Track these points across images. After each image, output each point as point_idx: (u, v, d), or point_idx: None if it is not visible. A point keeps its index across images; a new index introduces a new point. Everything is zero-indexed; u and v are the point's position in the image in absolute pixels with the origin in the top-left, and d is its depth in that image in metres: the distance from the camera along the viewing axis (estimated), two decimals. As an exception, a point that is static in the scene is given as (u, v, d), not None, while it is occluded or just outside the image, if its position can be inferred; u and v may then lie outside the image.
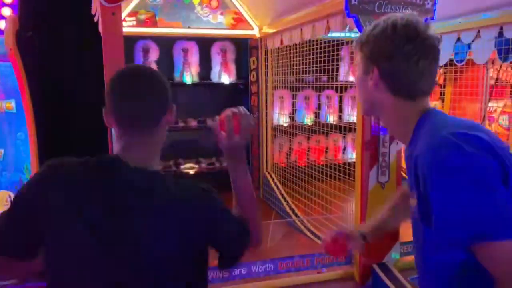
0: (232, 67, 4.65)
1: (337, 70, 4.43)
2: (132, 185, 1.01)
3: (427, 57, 1.06)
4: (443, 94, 5.08)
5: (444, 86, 5.05)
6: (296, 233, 3.58)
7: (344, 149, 5.09)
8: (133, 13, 4.13)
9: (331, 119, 4.92)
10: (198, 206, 1.05)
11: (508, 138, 4.89)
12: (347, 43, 4.10)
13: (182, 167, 4.56)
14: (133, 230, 0.99)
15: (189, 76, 4.51)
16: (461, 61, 3.95)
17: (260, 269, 2.67)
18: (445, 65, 4.21)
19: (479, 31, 3.31)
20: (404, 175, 2.36)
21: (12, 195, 3.59)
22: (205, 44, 4.54)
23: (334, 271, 2.84)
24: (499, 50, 3.45)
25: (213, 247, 1.12)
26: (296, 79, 4.34)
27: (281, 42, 3.86)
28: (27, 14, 3.20)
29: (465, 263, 0.98)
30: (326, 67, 3.92)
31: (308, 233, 3.47)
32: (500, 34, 3.17)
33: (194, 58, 4.53)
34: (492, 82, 4.71)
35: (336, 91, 4.52)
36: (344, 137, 4.92)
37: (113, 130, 1.21)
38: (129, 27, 4.07)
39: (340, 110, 5.03)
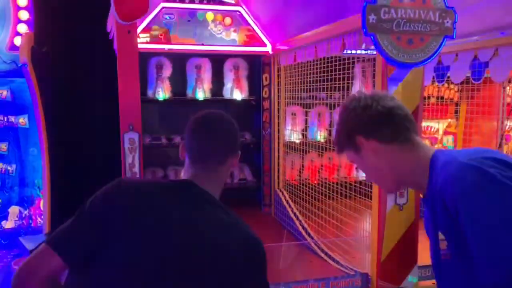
0: (245, 83, 4.64)
1: (347, 87, 4.38)
2: (205, 200, 1.15)
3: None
4: (458, 112, 5.00)
5: (459, 104, 4.98)
6: (309, 254, 3.49)
7: (357, 167, 5.01)
8: (147, 30, 4.15)
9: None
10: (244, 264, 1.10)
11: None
12: (363, 60, 4.06)
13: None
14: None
15: (202, 92, 4.50)
16: (479, 79, 3.89)
17: (273, 292, 2.59)
18: (461, 82, 4.15)
19: (497, 49, 3.26)
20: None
21: (23, 211, 3.58)
22: (218, 60, 4.54)
23: (350, 295, 2.75)
24: (516, 69, 3.38)
25: None
26: (308, 96, 4.31)
27: (295, 59, 3.84)
28: (42, 30, 3.23)
29: None
30: (340, 85, 3.88)
31: (322, 254, 3.38)
32: (519, 52, 3.11)
33: (206, 74, 4.53)
34: (509, 100, 4.63)
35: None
36: (357, 154, 4.85)
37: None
38: (142, 43, 4.09)
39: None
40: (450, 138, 5.11)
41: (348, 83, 3.83)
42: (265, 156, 4.68)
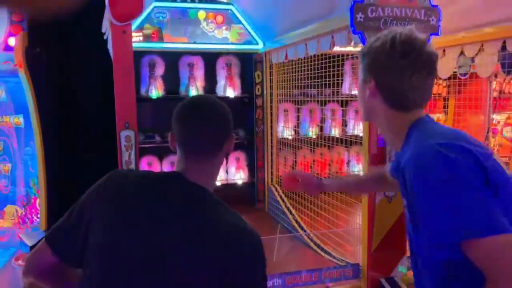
0: (237, 81, 4.70)
1: (337, 83, 4.46)
2: (189, 197, 1.06)
3: (421, 72, 1.13)
4: (447, 107, 5.10)
5: (448, 99, 5.08)
6: (302, 247, 3.57)
7: (348, 162, 5.10)
8: (139, 29, 4.19)
9: (335, 132, 4.95)
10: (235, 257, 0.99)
11: (511, 151, 4.91)
12: (352, 57, 4.14)
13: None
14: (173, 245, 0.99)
15: (195, 90, 4.55)
16: (465, 74, 3.98)
17: (267, 284, 2.66)
18: (449, 78, 4.23)
19: (482, 45, 3.34)
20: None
21: (19, 209, 3.62)
22: (210, 58, 4.59)
23: (342, 285, 2.83)
24: (502, 64, 3.47)
25: None
26: (300, 93, 4.37)
27: (286, 57, 3.90)
28: (36, 30, 3.26)
29: (455, 261, 1.02)
30: (330, 82, 3.95)
31: (315, 247, 3.46)
32: (504, 48, 3.19)
33: (199, 72, 4.58)
34: (496, 94, 4.73)
35: (340, 104, 4.54)
36: (348, 150, 4.94)
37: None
38: (135, 42, 4.12)
39: (344, 123, 5.06)
40: (439, 132, 5.20)
41: (338, 79, 3.91)
42: (258, 152, 4.75)
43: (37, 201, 3.58)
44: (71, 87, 3.45)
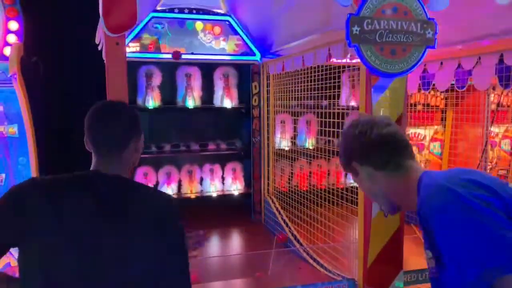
0: (234, 91, 4.69)
1: (333, 95, 4.44)
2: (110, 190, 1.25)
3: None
4: (445, 120, 5.09)
5: (445, 112, 5.07)
6: (298, 260, 3.53)
7: (346, 173, 5.07)
8: (137, 39, 4.18)
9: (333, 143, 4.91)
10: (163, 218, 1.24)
11: (510, 164, 4.88)
12: (349, 69, 4.12)
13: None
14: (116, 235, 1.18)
15: (192, 101, 4.54)
16: (462, 87, 3.97)
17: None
18: (446, 90, 4.22)
19: (479, 58, 3.34)
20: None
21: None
22: (207, 69, 4.59)
23: (337, 300, 2.78)
24: (500, 77, 3.46)
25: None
26: (297, 104, 4.35)
27: (283, 68, 3.90)
28: (31, 41, 3.25)
29: None
30: (328, 93, 3.93)
31: (311, 260, 3.42)
32: (501, 61, 3.19)
33: (196, 82, 4.58)
34: (493, 107, 4.71)
35: (337, 116, 4.51)
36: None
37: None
38: (132, 52, 4.12)
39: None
40: (437, 144, 5.19)
41: (336, 91, 3.89)
42: (255, 163, 4.72)
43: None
44: (66, 98, 3.43)
